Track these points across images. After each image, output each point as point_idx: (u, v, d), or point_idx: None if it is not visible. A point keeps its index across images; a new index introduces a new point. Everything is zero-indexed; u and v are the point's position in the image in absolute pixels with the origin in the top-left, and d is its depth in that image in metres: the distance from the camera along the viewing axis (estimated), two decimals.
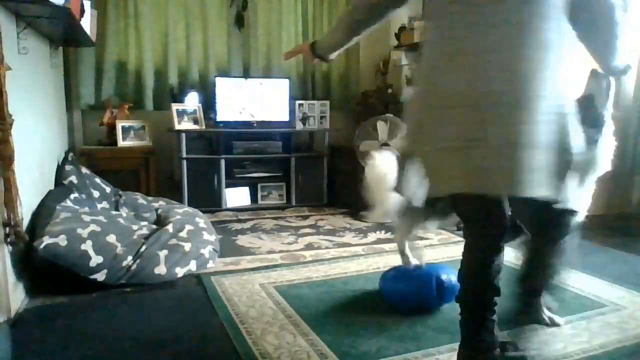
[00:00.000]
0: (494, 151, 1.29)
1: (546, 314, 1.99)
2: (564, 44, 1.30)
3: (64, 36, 2.94)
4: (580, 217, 1.69)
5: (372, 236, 3.29)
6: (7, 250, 1.93)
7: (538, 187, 1.28)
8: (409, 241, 2.19)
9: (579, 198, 1.56)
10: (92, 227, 2.34)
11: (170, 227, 2.62)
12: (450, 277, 1.99)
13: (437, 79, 1.37)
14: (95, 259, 2.23)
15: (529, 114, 1.27)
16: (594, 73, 1.53)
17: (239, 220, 3.68)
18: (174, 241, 2.52)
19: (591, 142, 1.52)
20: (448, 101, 1.34)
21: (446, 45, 1.36)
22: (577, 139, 1.33)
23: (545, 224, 1.61)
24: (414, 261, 2.17)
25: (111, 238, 2.35)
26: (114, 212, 2.84)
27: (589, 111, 1.51)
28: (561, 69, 1.29)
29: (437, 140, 1.37)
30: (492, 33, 1.30)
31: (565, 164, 1.31)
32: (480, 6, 1.30)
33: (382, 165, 2.21)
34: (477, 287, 1.49)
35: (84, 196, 2.83)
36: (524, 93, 1.27)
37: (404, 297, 2.06)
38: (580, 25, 1.33)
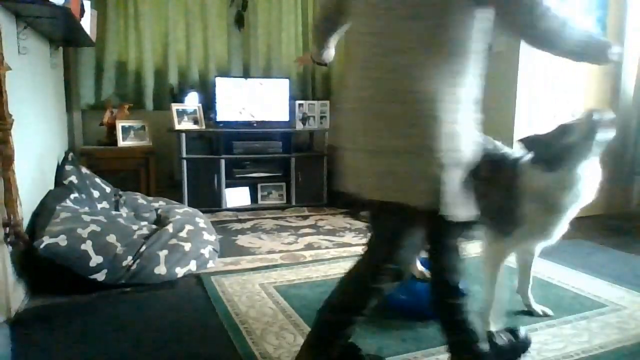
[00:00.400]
0: (361, 155, 1.37)
1: (537, 307, 2.07)
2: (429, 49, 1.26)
3: (64, 36, 2.94)
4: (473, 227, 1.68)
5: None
6: (7, 250, 1.94)
7: (402, 193, 1.29)
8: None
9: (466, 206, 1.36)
10: (92, 227, 2.34)
11: (170, 227, 2.62)
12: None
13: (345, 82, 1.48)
14: (95, 259, 2.23)
15: (389, 121, 1.29)
16: (587, 113, 1.61)
17: (239, 220, 3.68)
18: (174, 241, 2.52)
19: (555, 167, 1.63)
20: (340, 108, 1.47)
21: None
22: (455, 143, 1.27)
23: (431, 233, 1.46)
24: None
25: (111, 238, 2.35)
26: (114, 212, 2.84)
27: (561, 138, 1.63)
28: (424, 69, 1.25)
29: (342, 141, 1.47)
30: (357, 43, 1.39)
31: (434, 168, 1.25)
32: (359, 22, 1.40)
33: None
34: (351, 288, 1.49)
35: (84, 196, 2.83)
36: (384, 100, 1.30)
37: (405, 307, 2.05)
38: (513, 30, 1.32)
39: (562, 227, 1.78)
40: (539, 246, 1.98)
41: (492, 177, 1.78)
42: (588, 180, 1.65)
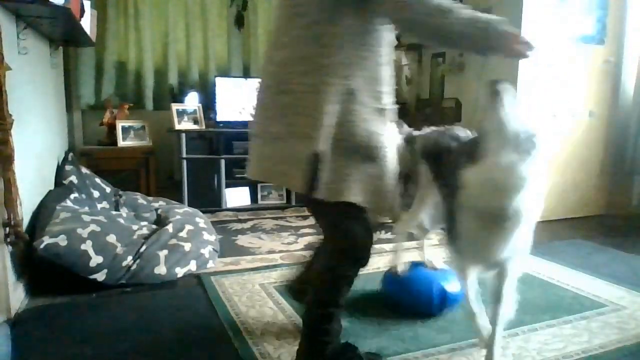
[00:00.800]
0: (258, 142, 1.50)
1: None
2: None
3: (64, 36, 2.94)
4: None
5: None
6: (7, 250, 1.93)
7: (284, 177, 1.45)
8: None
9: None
10: (92, 227, 2.34)
11: (170, 227, 2.62)
12: (453, 284, 1.98)
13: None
14: (95, 259, 2.23)
15: (279, 110, 1.41)
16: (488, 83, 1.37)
17: (239, 220, 3.68)
18: (174, 241, 2.52)
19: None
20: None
21: None
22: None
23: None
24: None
25: (111, 238, 2.35)
26: (114, 212, 2.84)
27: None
28: (305, 62, 1.36)
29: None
30: (269, 38, 1.55)
31: (309, 154, 1.35)
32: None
33: None
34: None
35: (84, 196, 2.83)
36: (277, 92, 1.43)
37: (405, 303, 2.06)
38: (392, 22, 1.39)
39: (505, 243, 1.42)
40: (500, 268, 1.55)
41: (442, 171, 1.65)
42: (523, 179, 1.32)
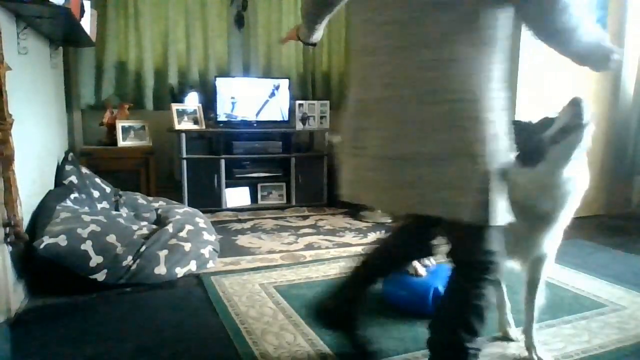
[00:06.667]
0: (369, 161, 1.27)
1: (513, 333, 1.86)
2: (458, 38, 1.16)
3: (64, 36, 2.94)
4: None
5: (372, 236, 3.29)
6: (7, 250, 1.94)
7: (439, 206, 1.20)
8: None
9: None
10: (92, 227, 2.34)
11: (170, 227, 2.62)
12: None
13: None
14: (95, 259, 2.23)
15: (420, 124, 1.18)
16: (572, 101, 1.37)
17: (239, 220, 3.68)
18: (174, 241, 2.52)
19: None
20: (348, 108, 1.38)
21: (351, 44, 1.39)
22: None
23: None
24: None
25: (111, 238, 2.35)
26: (114, 212, 2.84)
27: (543, 129, 1.38)
28: (461, 64, 1.16)
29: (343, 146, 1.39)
30: (371, 34, 1.26)
31: (478, 176, 1.17)
32: (369, 10, 1.27)
33: None
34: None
35: (84, 196, 2.83)
36: (414, 101, 1.19)
37: (405, 304, 2.05)
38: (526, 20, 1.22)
39: (545, 239, 1.55)
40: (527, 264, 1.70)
41: None
42: (573, 183, 1.43)
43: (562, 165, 1.38)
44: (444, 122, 1.16)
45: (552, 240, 1.59)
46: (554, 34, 1.20)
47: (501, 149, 1.21)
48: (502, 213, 1.21)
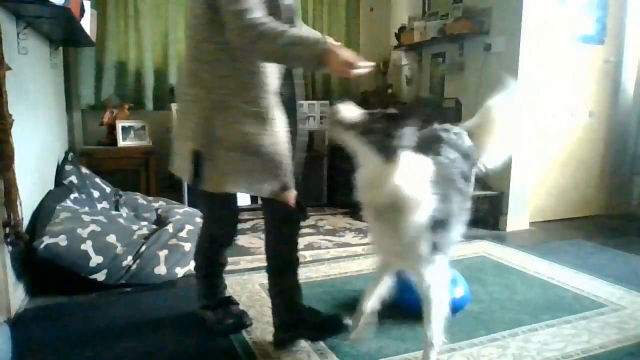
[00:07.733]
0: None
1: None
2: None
3: (64, 36, 2.94)
4: None
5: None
6: (7, 250, 1.94)
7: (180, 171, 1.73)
8: None
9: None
10: (92, 227, 2.34)
11: (170, 227, 2.62)
12: (456, 289, 1.96)
13: None
14: (95, 259, 2.23)
15: (181, 114, 1.70)
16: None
17: (239, 220, 3.66)
18: (174, 241, 2.52)
19: None
20: None
21: None
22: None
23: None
24: None
25: (111, 238, 2.35)
26: (114, 212, 2.84)
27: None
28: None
29: None
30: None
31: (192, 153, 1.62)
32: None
33: None
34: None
35: (84, 196, 2.83)
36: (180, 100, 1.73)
37: (406, 306, 2.05)
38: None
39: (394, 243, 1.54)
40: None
41: None
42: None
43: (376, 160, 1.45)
44: (185, 114, 1.71)
45: (410, 245, 1.50)
46: (246, 50, 1.50)
47: (218, 137, 1.64)
48: (222, 181, 1.74)
